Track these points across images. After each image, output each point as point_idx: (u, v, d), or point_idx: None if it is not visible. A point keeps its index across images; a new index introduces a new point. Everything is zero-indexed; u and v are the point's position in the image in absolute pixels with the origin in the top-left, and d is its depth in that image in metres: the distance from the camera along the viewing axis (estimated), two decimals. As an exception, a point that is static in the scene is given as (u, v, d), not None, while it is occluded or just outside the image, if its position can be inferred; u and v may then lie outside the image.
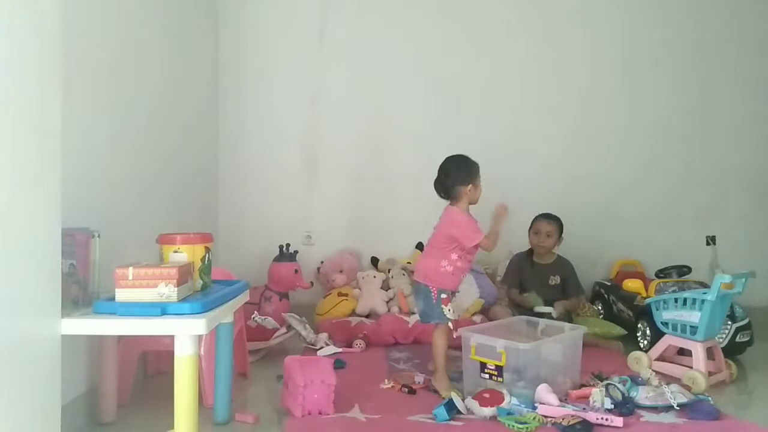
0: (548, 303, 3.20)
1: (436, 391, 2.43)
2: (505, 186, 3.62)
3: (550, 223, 3.31)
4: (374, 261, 3.74)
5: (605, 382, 2.31)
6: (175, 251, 1.94)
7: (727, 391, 2.57)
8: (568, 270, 3.33)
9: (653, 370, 2.58)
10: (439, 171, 2.53)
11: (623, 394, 2.24)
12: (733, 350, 2.94)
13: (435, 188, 2.53)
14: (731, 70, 3.92)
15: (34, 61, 1.45)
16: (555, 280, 3.30)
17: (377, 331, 3.19)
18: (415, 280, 2.58)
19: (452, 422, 2.10)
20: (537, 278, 3.29)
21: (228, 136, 3.76)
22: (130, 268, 1.72)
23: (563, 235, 3.34)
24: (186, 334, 1.65)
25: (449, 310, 2.45)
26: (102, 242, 1.90)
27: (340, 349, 2.98)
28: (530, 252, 3.38)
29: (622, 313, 3.36)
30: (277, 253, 3.35)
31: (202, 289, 1.96)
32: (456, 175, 2.48)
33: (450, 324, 2.45)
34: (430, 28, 3.83)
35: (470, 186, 2.47)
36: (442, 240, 2.50)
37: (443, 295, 2.45)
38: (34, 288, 1.48)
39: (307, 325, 3.05)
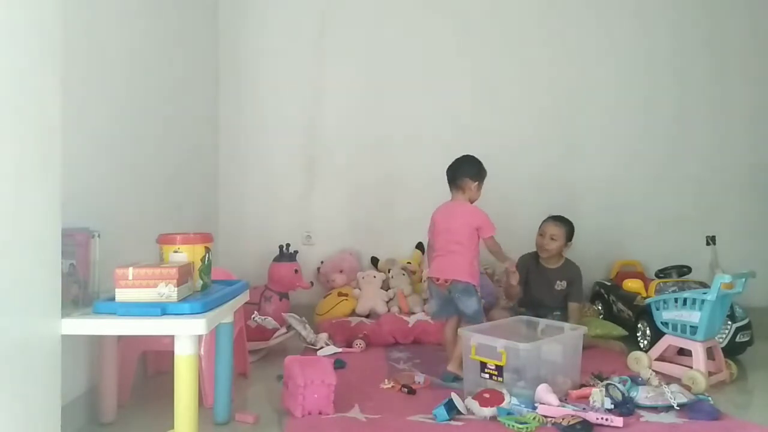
0: (553, 308, 3.18)
1: (457, 377, 2.54)
2: (507, 187, 3.65)
3: (556, 225, 3.21)
4: (374, 261, 3.74)
5: (605, 382, 2.31)
6: (175, 251, 1.94)
7: (727, 391, 2.57)
8: (574, 275, 3.24)
9: (653, 370, 2.58)
10: (455, 160, 2.74)
11: (623, 394, 2.23)
12: (733, 350, 2.94)
13: (447, 172, 2.74)
14: (732, 72, 3.92)
15: (34, 61, 1.45)
16: (561, 285, 3.22)
17: (377, 331, 3.19)
18: (456, 279, 2.61)
19: (452, 422, 2.10)
20: (543, 281, 3.24)
21: (228, 136, 3.76)
22: (130, 268, 1.72)
23: (572, 242, 3.25)
24: (186, 334, 1.65)
25: None
26: (102, 242, 1.90)
27: (340, 349, 2.98)
28: (537, 254, 3.29)
29: (622, 313, 3.36)
30: (277, 253, 3.35)
31: (202, 289, 1.96)
32: (469, 169, 2.70)
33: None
34: (431, 29, 3.83)
35: (476, 183, 2.68)
36: (468, 234, 2.63)
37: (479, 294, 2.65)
38: (34, 288, 1.48)
39: (307, 325, 3.05)
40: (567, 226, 3.23)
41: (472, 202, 2.70)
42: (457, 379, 2.54)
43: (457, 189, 2.70)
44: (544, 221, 3.27)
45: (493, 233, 2.65)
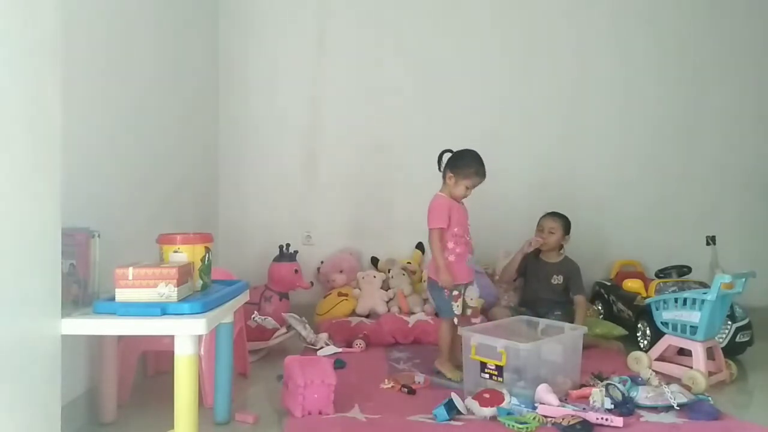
0: (551, 302, 3.20)
1: (439, 372, 2.61)
2: (506, 186, 3.65)
3: (554, 219, 3.30)
4: (374, 261, 3.74)
5: (605, 382, 2.31)
6: (175, 251, 1.94)
7: (727, 391, 2.57)
8: (572, 270, 3.29)
9: (653, 370, 2.58)
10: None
11: (623, 394, 2.23)
12: (733, 350, 2.94)
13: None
14: (731, 70, 3.92)
15: (34, 61, 1.45)
16: (558, 279, 3.28)
17: (377, 331, 3.18)
18: (429, 276, 2.71)
19: (452, 422, 2.10)
20: (540, 275, 3.30)
21: (228, 136, 3.76)
22: (130, 268, 1.72)
23: (570, 235, 3.32)
24: (186, 334, 1.65)
25: (458, 306, 2.63)
26: (102, 242, 1.90)
27: (340, 349, 2.98)
28: (538, 249, 3.35)
29: (622, 313, 3.36)
30: (277, 253, 3.35)
31: (202, 289, 1.96)
32: (453, 161, 2.64)
33: (455, 319, 2.63)
34: (431, 29, 3.83)
35: (453, 177, 2.61)
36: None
37: (455, 292, 2.61)
38: (34, 288, 1.48)
39: (307, 325, 3.05)
40: (563, 220, 3.32)
41: (454, 197, 2.63)
42: (440, 374, 2.60)
43: (442, 177, 2.67)
44: (541, 217, 3.35)
45: (433, 226, 2.58)
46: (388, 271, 3.60)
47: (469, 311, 2.68)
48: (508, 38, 3.86)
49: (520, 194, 3.76)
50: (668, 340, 2.74)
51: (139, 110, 2.58)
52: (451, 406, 2.14)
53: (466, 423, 2.11)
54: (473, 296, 2.69)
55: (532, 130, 3.85)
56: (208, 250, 2.00)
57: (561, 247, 3.34)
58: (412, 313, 3.33)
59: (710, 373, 2.57)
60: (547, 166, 3.84)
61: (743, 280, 2.65)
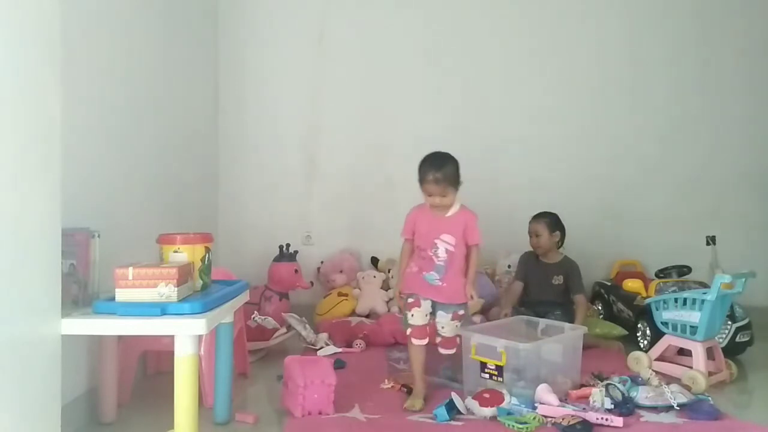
0: (551, 303, 3.20)
1: (447, 369, 2.54)
2: (506, 186, 3.66)
3: (537, 222, 3.28)
4: (374, 261, 3.74)
5: (605, 382, 2.31)
6: (175, 251, 1.94)
7: (727, 391, 2.57)
8: (571, 269, 3.28)
9: (653, 370, 2.58)
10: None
11: (623, 394, 2.23)
12: (733, 350, 2.94)
13: None
14: (732, 72, 3.91)
15: (34, 61, 1.45)
16: (558, 279, 3.27)
17: (377, 331, 3.18)
18: None
19: (452, 422, 2.10)
20: (540, 277, 3.29)
21: (228, 136, 3.77)
22: (130, 268, 1.72)
23: (559, 231, 3.28)
24: (186, 334, 1.65)
25: (411, 315, 2.38)
26: (102, 242, 1.90)
27: (340, 349, 2.98)
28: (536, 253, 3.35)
29: (622, 313, 3.36)
30: (277, 253, 3.35)
31: (202, 289, 1.96)
32: None
33: (408, 330, 2.39)
34: (431, 28, 3.84)
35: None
36: None
37: (409, 300, 2.41)
38: (34, 288, 1.48)
39: (307, 325, 3.05)
40: (547, 218, 3.29)
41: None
42: (447, 369, 2.55)
43: None
44: (529, 223, 3.32)
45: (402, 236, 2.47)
46: (388, 271, 3.60)
47: (438, 339, 2.42)
48: (510, 39, 3.86)
49: (520, 194, 3.76)
50: (668, 340, 2.74)
51: (139, 110, 2.58)
52: (451, 406, 2.14)
53: (466, 423, 2.11)
54: (444, 324, 2.37)
55: (531, 130, 3.85)
56: (208, 250, 2.00)
57: (559, 245, 3.34)
58: (412, 313, 3.33)
59: (710, 373, 2.57)
60: (549, 166, 3.84)
61: (743, 280, 2.65)
